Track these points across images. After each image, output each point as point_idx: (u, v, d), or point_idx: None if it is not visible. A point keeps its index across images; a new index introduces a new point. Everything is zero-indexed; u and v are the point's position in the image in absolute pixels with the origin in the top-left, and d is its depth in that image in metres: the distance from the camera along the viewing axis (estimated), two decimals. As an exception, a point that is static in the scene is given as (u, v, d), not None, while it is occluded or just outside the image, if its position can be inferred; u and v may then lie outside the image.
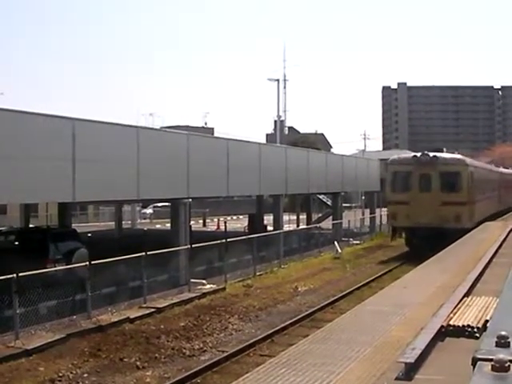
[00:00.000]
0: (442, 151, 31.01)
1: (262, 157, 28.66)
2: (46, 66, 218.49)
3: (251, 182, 28.08)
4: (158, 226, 50.76)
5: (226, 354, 13.24)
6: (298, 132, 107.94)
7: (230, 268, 23.51)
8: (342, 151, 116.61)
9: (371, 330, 9.17)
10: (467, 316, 9.12)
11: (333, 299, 19.43)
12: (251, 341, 14.30)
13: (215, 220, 54.36)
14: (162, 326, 15.89)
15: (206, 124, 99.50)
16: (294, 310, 18.24)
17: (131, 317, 16.53)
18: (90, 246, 21.21)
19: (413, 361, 6.84)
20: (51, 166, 16.83)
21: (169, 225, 27.89)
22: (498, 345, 3.26)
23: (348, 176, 39.40)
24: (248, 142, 30.82)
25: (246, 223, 40.64)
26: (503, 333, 3.30)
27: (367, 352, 7.93)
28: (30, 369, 12.33)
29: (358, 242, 36.81)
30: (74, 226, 30.09)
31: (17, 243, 19.92)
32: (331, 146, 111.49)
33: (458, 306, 9.83)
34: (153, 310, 17.43)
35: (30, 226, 33.07)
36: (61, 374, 12.04)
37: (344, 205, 44.45)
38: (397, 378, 6.73)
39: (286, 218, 39.42)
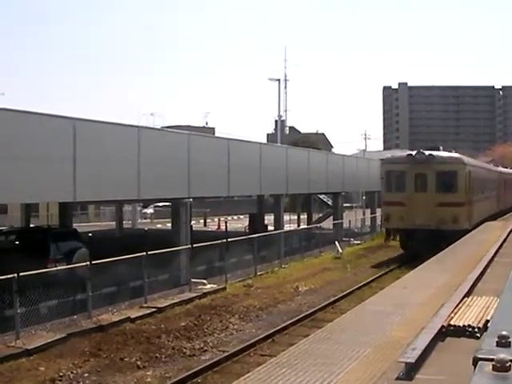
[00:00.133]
0: (438, 149, 29.59)
1: (262, 157, 28.66)
2: (46, 66, 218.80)
3: (252, 181, 28.08)
4: (158, 226, 50.76)
5: (226, 354, 13.24)
6: (299, 132, 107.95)
7: (231, 268, 23.52)
8: (342, 151, 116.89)
9: (372, 329, 9.17)
10: (468, 316, 9.12)
11: (333, 299, 19.43)
12: (252, 340, 14.30)
13: (216, 220, 54.38)
14: (162, 326, 15.90)
15: (206, 124, 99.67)
16: (294, 309, 18.24)
17: (132, 316, 16.53)
18: (91, 245, 21.22)
19: (413, 361, 6.84)
20: (52, 166, 16.84)
21: (169, 225, 27.88)
22: (498, 345, 3.26)
23: (349, 176, 39.39)
24: (249, 141, 30.82)
25: (247, 223, 40.64)
26: (504, 333, 3.30)
27: (368, 352, 7.93)
28: (30, 368, 12.34)
29: (358, 242, 36.80)
30: (74, 225, 30.08)
31: (17, 243, 19.92)
32: (332, 146, 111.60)
33: (459, 305, 9.83)
34: (153, 309, 17.43)
35: (31, 225, 33.08)
36: (61, 374, 12.04)
37: (345, 205, 44.46)
38: (397, 378, 6.73)
39: (286, 217, 39.42)
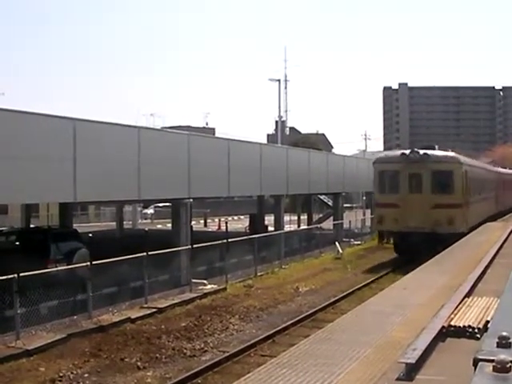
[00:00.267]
0: (433, 148, 28.36)
1: (263, 157, 28.67)
2: (46, 66, 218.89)
3: (252, 182, 28.09)
4: (159, 226, 50.76)
5: (227, 355, 13.24)
6: (299, 132, 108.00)
7: (231, 268, 23.52)
8: (343, 151, 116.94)
9: (372, 330, 9.16)
10: (468, 316, 9.11)
11: (334, 299, 19.43)
12: (252, 341, 14.30)
13: (216, 220, 54.38)
14: (163, 326, 15.90)
15: (207, 124, 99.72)
16: (294, 310, 18.24)
17: (132, 317, 16.53)
18: (91, 246, 21.21)
19: (414, 361, 6.84)
20: (52, 167, 16.85)
21: (170, 225, 27.88)
22: (499, 345, 3.26)
23: (349, 176, 39.40)
24: (249, 142, 30.83)
25: (247, 223, 40.65)
26: (504, 333, 3.30)
27: (368, 352, 7.93)
28: (30, 369, 12.34)
29: (358, 242, 36.79)
30: (74, 226, 30.10)
31: (18, 243, 19.92)
32: (332, 147, 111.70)
33: (459, 306, 9.82)
34: (154, 310, 17.43)
35: (31, 226, 33.09)
36: (61, 374, 12.04)
37: (345, 205, 44.46)
38: (398, 379, 6.72)
39: (286, 218, 39.41)
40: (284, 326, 15.83)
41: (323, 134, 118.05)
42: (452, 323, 8.73)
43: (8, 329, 14.15)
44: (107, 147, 19.11)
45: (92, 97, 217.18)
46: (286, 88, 72.26)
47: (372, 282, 22.71)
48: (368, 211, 47.53)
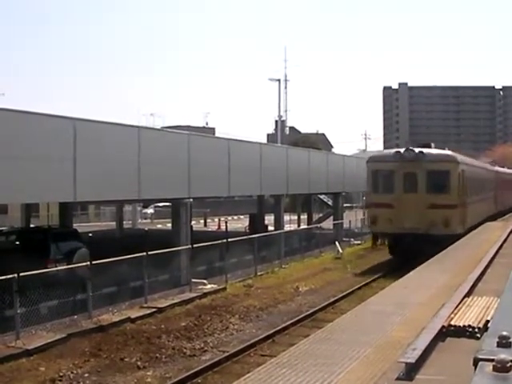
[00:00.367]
0: (429, 146, 27.33)
1: (263, 157, 28.66)
2: (46, 66, 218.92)
3: (252, 182, 28.09)
4: (158, 226, 50.76)
5: (226, 354, 13.24)
6: (299, 132, 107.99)
7: (231, 268, 23.52)
8: (342, 151, 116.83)
9: (372, 330, 9.16)
10: (468, 316, 9.11)
11: (333, 299, 19.42)
12: (252, 341, 14.30)
13: (216, 220, 54.38)
14: (162, 326, 15.90)
15: (207, 124, 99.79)
16: (294, 310, 18.24)
17: (132, 317, 16.53)
18: (91, 245, 21.22)
19: (413, 361, 6.84)
20: (52, 166, 16.84)
21: (170, 225, 27.88)
22: (499, 345, 3.25)
23: (349, 176, 39.38)
24: (249, 142, 30.84)
25: (247, 223, 40.64)
26: (504, 333, 3.30)
27: (368, 352, 7.93)
28: (30, 369, 12.34)
29: (358, 242, 36.77)
30: (74, 225, 30.10)
31: (18, 243, 19.92)
32: (332, 146, 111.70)
33: (459, 306, 9.82)
34: (154, 309, 17.43)
35: (31, 225, 33.08)
36: (61, 374, 12.04)
37: (345, 205, 44.44)
38: (398, 378, 6.72)
39: (286, 218, 39.42)
40: (284, 325, 15.83)
41: (323, 134, 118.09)
42: (452, 323, 8.73)
43: (8, 328, 14.15)
44: (107, 147, 19.11)
45: (92, 97, 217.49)
46: (285, 88, 72.45)
47: (372, 281, 22.69)
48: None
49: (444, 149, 28.78)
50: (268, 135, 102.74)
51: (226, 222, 40.77)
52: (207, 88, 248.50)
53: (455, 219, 25.34)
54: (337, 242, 31.58)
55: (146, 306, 17.79)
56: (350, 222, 40.86)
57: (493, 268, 14.71)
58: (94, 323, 15.52)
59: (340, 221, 38.22)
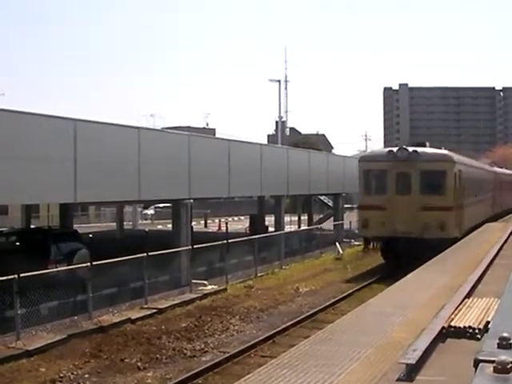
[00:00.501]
0: (424, 145, 26.10)
1: (263, 158, 28.67)
2: (46, 66, 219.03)
3: (252, 182, 28.10)
4: (159, 227, 50.73)
5: (227, 355, 13.24)
6: (300, 133, 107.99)
7: (232, 269, 23.52)
8: (343, 152, 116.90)
9: (372, 331, 9.16)
10: (468, 317, 9.11)
11: (334, 300, 19.42)
12: (252, 342, 14.30)
13: (216, 221, 54.34)
14: (163, 327, 15.90)
15: (207, 125, 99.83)
16: (295, 310, 18.23)
17: (132, 317, 16.53)
18: (92, 246, 21.18)
19: (414, 362, 6.83)
20: (52, 167, 16.85)
21: (170, 226, 27.88)
22: (499, 346, 3.25)
23: (349, 177, 39.28)
24: (249, 142, 30.86)
25: (248, 224, 40.63)
26: (505, 334, 3.30)
27: (368, 353, 7.92)
28: (30, 369, 12.34)
29: (359, 242, 36.72)
30: (75, 226, 30.10)
31: (18, 244, 19.90)
32: (332, 147, 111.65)
33: (459, 307, 9.82)
34: (154, 310, 17.43)
35: (32, 226, 33.07)
36: (62, 375, 12.05)
37: (345, 206, 44.42)
38: (398, 379, 6.72)
39: (287, 218, 39.38)
40: (284, 326, 15.83)
41: (323, 135, 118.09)
42: (452, 324, 8.73)
43: (8, 329, 14.15)
44: (108, 148, 19.12)
45: (92, 97, 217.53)
46: (286, 88, 72.49)
47: (372, 282, 22.66)
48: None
49: (440, 148, 27.75)
50: (268, 136, 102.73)
51: (227, 223, 40.64)
52: (207, 88, 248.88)
53: (451, 222, 24.11)
54: (337, 243, 31.58)
55: (146, 306, 17.80)
56: (350, 222, 40.82)
57: (493, 269, 14.70)
58: (95, 324, 15.53)
59: (340, 222, 38.21)
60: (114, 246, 23.44)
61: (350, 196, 52.83)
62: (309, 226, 42.88)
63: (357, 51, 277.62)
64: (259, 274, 24.47)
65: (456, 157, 26.79)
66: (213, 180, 24.52)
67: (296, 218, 48.02)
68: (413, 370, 6.81)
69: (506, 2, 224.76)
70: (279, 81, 70.13)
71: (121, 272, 17.57)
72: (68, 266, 18.18)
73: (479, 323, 8.73)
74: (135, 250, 18.21)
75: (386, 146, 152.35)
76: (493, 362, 2.98)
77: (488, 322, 8.39)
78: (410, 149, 24.84)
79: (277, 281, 23.57)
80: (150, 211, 62.81)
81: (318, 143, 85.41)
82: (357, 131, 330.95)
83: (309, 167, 33.69)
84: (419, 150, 24.89)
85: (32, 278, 14.46)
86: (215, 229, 50.09)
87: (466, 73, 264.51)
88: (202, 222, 54.54)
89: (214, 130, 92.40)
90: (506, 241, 21.16)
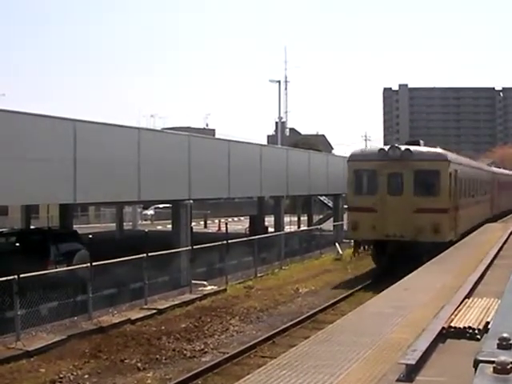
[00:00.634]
0: (417, 144, 24.85)
1: (263, 158, 28.67)
2: (46, 66, 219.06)
3: (252, 183, 28.09)
4: (159, 228, 50.71)
5: (226, 356, 13.23)
6: (299, 133, 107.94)
7: (231, 269, 23.52)
8: (343, 153, 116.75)
9: (372, 331, 9.15)
10: (468, 317, 9.11)
11: (334, 301, 19.41)
12: (252, 342, 14.29)
13: (216, 221, 54.32)
14: (163, 328, 15.89)
15: (207, 125, 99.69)
16: (294, 311, 18.23)
17: (132, 318, 16.53)
18: (91, 247, 21.15)
19: (414, 362, 6.83)
20: (52, 168, 16.84)
21: (170, 226, 27.88)
22: (499, 347, 3.24)
23: (349, 177, 39.28)
24: (249, 143, 30.84)
25: (247, 225, 40.61)
26: (505, 335, 3.29)
27: (368, 353, 7.92)
28: (30, 370, 12.34)
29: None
30: (74, 227, 30.09)
31: (18, 244, 19.87)
32: (332, 148, 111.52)
33: (459, 307, 9.82)
34: (154, 311, 17.43)
35: (31, 227, 33.06)
36: (61, 376, 12.04)
37: (345, 206, 44.39)
38: (398, 380, 6.72)
39: (286, 219, 39.36)
40: (284, 327, 15.82)
41: (323, 135, 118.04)
42: (452, 324, 8.73)
43: (8, 330, 14.14)
44: (107, 148, 19.12)
45: (92, 97, 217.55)
46: (286, 89, 72.26)
47: (372, 282, 22.63)
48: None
49: (435, 147, 26.34)
50: (268, 136, 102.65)
51: (226, 224, 40.64)
52: (207, 89, 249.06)
53: (445, 225, 22.81)
54: (337, 244, 31.57)
55: (146, 307, 17.79)
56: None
57: (493, 269, 14.70)
58: (94, 324, 15.52)
59: (340, 222, 38.19)
60: (114, 247, 23.43)
61: (350, 196, 52.72)
62: (308, 226, 42.86)
63: (357, 51, 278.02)
64: (259, 275, 24.47)
65: (451, 156, 25.63)
66: (212, 180, 24.52)
67: (296, 219, 47.99)
68: (413, 370, 6.81)
69: (506, 2, 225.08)
70: (279, 81, 70.00)
71: (120, 272, 17.56)
72: (68, 266, 18.17)
73: (479, 323, 8.73)
74: (135, 251, 18.21)
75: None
76: (493, 362, 2.97)
77: (488, 323, 8.38)
78: (403, 147, 23.70)
79: (276, 281, 23.56)
80: (150, 212, 62.79)
81: (318, 144, 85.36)
82: (357, 132, 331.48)
83: (309, 168, 33.68)
84: (412, 148, 23.68)
85: (32, 278, 14.46)
86: (215, 229, 50.06)
87: (466, 73, 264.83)
88: (202, 222, 54.52)
89: (213, 130, 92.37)
90: (505, 241, 21.17)
